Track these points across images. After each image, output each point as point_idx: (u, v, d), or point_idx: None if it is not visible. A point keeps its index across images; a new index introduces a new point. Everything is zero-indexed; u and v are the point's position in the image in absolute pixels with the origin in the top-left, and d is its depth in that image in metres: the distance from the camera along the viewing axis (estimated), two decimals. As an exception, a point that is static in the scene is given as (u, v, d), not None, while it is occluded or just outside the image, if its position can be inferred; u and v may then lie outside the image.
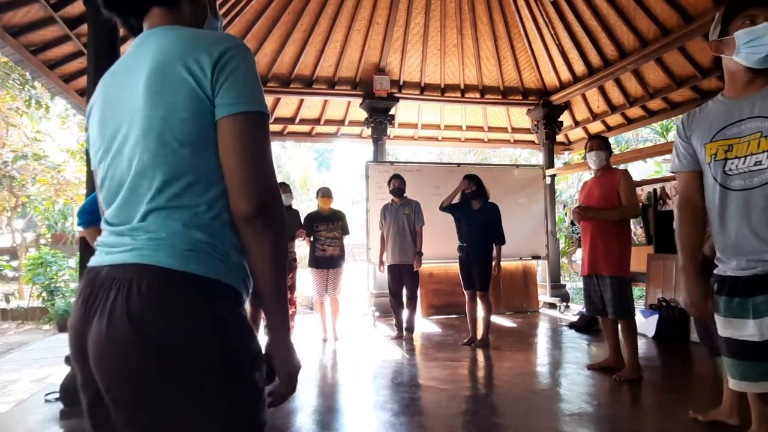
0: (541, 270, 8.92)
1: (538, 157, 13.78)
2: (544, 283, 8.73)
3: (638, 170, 13.83)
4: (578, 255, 12.55)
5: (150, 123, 0.98)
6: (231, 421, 0.95)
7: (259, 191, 0.98)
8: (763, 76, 1.85)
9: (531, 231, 8.44)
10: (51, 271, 9.77)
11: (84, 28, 4.63)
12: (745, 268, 1.85)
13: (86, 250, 3.52)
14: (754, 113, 1.84)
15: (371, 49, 8.02)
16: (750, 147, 1.83)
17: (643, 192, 6.80)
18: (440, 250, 7.15)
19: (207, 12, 1.22)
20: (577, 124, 9.26)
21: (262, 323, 1.12)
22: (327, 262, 6.09)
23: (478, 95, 8.75)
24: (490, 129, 9.74)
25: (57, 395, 3.85)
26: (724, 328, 1.92)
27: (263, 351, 1.07)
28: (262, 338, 1.06)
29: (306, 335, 6.38)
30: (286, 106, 8.65)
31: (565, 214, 13.48)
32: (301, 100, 8.60)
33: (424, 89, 8.57)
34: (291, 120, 8.81)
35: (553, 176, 8.96)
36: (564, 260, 12.92)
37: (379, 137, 8.41)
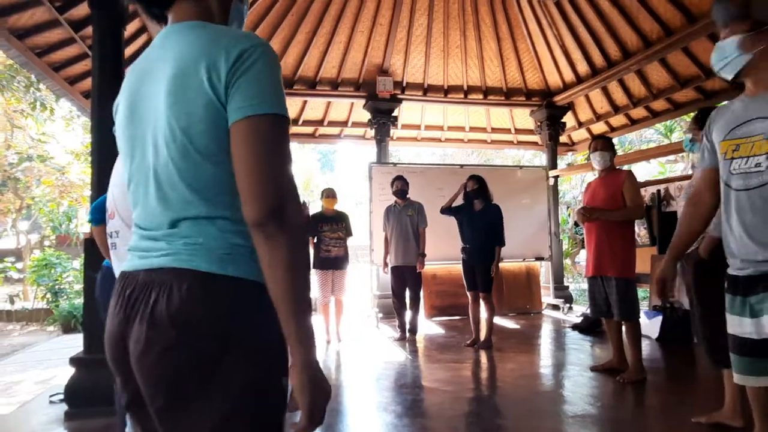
0: (544, 271, 8.90)
1: (541, 158, 13.77)
2: (547, 284, 8.71)
3: (642, 171, 13.81)
4: (582, 256, 12.53)
5: (172, 134, 0.97)
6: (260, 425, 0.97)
7: (270, 194, 0.91)
8: None
9: (534, 232, 8.43)
10: (55, 273, 9.80)
11: (89, 30, 4.64)
12: (740, 267, 1.89)
13: (91, 250, 3.53)
14: (759, 114, 1.86)
15: (374, 51, 8.03)
16: (754, 148, 1.85)
17: (646, 193, 6.78)
18: (443, 251, 7.14)
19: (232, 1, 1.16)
20: (580, 125, 9.24)
21: None
22: (332, 263, 6.09)
23: (481, 96, 8.74)
24: (494, 130, 9.73)
25: (61, 397, 3.86)
26: (729, 324, 1.98)
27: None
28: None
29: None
30: (289, 107, 8.31)
31: (569, 215, 13.47)
32: (305, 102, 8.62)
33: (427, 90, 8.57)
34: (295, 122, 8.82)
35: (556, 177, 8.95)
36: (567, 261, 12.91)
37: (382, 138, 8.41)
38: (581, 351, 5.50)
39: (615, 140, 12.26)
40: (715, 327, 2.67)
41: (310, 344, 0.94)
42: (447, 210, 5.82)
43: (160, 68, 1.01)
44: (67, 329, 8.26)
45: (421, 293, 6.41)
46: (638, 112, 8.22)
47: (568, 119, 9.07)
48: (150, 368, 0.94)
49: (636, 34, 6.66)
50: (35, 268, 9.88)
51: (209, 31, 1.02)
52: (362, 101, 8.32)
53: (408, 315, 6.25)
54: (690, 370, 4.85)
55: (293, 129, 8.94)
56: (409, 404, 3.80)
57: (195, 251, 0.96)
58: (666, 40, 6.27)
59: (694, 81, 6.82)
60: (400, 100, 8.34)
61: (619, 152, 13.65)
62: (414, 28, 7.90)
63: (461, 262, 5.73)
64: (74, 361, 3.83)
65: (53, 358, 6.13)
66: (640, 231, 6.81)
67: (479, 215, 5.60)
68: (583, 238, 7.85)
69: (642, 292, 7.71)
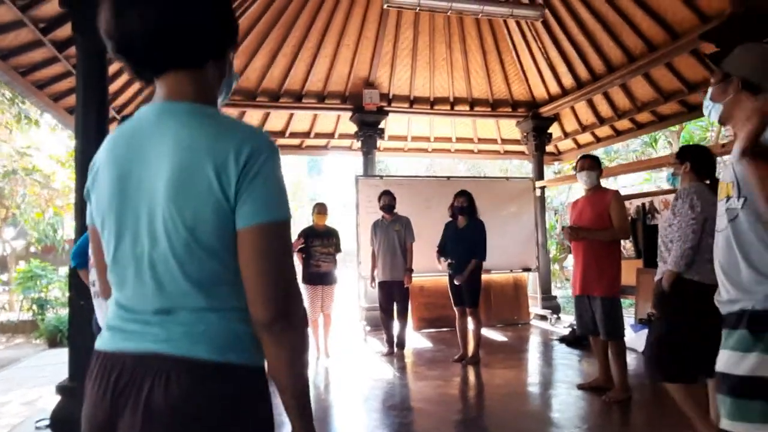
0: (532, 281, 8.96)
1: (528, 167, 13.85)
2: (534, 294, 8.77)
3: (628, 179, 13.92)
4: (570, 261, 12.62)
5: (175, 227, 0.95)
6: None
7: (277, 297, 0.96)
8: None
9: (522, 243, 8.47)
10: (41, 284, 9.72)
11: (73, 49, 4.61)
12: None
13: (76, 274, 3.51)
14: (731, 158, 1.91)
15: (361, 63, 8.06)
16: (724, 191, 1.90)
17: (632, 206, 6.86)
18: (431, 263, 7.11)
19: (228, 71, 1.15)
20: (566, 135, 9.32)
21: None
22: (321, 278, 6.09)
23: (467, 108, 8.80)
24: (480, 140, 9.78)
25: (47, 422, 3.84)
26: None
27: None
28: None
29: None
30: (276, 119, 8.65)
31: (557, 220, 13.57)
32: (291, 114, 8.60)
33: (413, 102, 8.61)
34: (281, 134, 8.81)
35: (543, 188, 9.01)
36: (555, 266, 13.01)
37: (369, 150, 8.44)
38: (569, 367, 5.54)
39: (600, 150, 12.42)
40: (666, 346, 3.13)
41: (311, 429, 1.02)
42: (440, 249, 5.84)
43: (156, 152, 0.98)
44: (53, 343, 8.20)
45: (409, 307, 6.42)
46: (623, 124, 8.30)
47: (555, 130, 9.15)
48: None
49: (620, 49, 6.74)
50: (21, 279, 9.79)
51: (212, 123, 1.00)
52: (349, 114, 8.33)
53: (396, 328, 6.27)
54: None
55: (280, 141, 8.91)
56: (397, 428, 3.82)
57: (196, 339, 0.95)
58: (649, 56, 6.35)
59: (677, 95, 6.90)
60: (386, 113, 8.37)
61: (605, 161, 13.80)
62: (400, 42, 7.94)
63: (447, 277, 5.76)
64: (60, 389, 3.81)
65: (39, 377, 6.08)
66: (626, 244, 6.88)
67: (463, 231, 5.63)
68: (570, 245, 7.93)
69: (627, 302, 7.79)
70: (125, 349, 0.98)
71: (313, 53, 7.75)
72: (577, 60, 7.44)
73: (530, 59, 8.13)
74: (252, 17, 7.10)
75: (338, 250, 6.24)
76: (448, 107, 8.75)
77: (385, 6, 6.17)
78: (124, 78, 6.24)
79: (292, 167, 23.10)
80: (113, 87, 5.98)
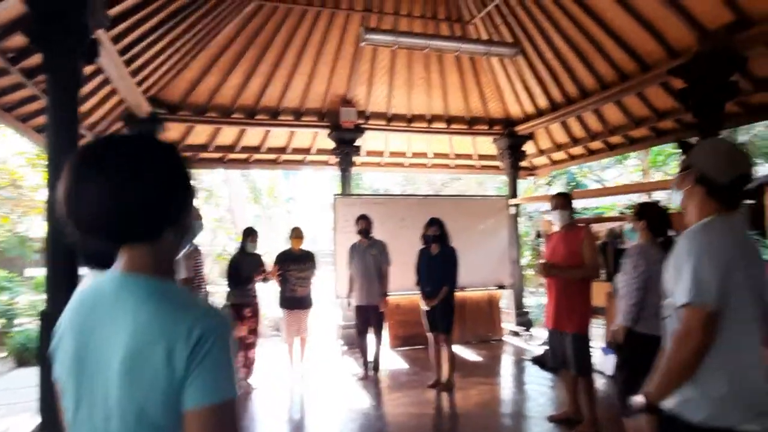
0: (506, 297, 9.08)
1: (503, 179, 13.97)
2: (508, 309, 8.89)
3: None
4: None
5: (128, 406, 1.00)
6: None
7: None
8: None
9: (496, 260, 8.59)
10: (6, 298, 9.50)
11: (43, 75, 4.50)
12: None
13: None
14: None
15: (338, 81, 8.04)
16: None
17: (603, 229, 7.00)
18: (407, 281, 7.15)
19: (187, 229, 1.20)
20: (541, 152, 9.45)
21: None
22: (297, 302, 6.12)
23: (444, 125, 8.87)
24: (457, 156, 9.84)
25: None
26: None
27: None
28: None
29: (270, 376, 6.34)
30: (252, 135, 8.58)
31: (531, 228, 13.73)
32: (268, 131, 8.54)
33: (391, 119, 8.64)
34: (257, 149, 8.75)
35: (517, 206, 9.13)
36: (531, 271, 13.15)
37: (346, 168, 8.44)
38: (541, 394, 5.64)
39: (574, 168, 12.61)
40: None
41: None
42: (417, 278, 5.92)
43: (114, 328, 1.03)
44: (22, 362, 8.01)
45: (383, 332, 6.49)
46: (596, 144, 8.44)
47: (529, 147, 9.27)
48: None
49: (592, 76, 6.86)
50: (-16, 292, 9.55)
51: (167, 304, 1.05)
52: (326, 131, 8.31)
53: (372, 350, 6.32)
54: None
55: (256, 156, 8.85)
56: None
57: None
58: (620, 85, 6.47)
59: (647, 121, 7.06)
60: (363, 130, 8.37)
61: (578, 176, 14.05)
62: (377, 61, 7.95)
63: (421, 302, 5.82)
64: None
65: (9, 403, 5.94)
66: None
67: (436, 259, 5.69)
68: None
69: (599, 322, 7.96)
70: None
71: (289, 72, 7.71)
72: (552, 84, 7.55)
73: (506, 80, 8.23)
74: (228, 35, 7.04)
75: (313, 273, 6.27)
76: (426, 124, 8.80)
77: (362, 44, 6.19)
78: (96, 98, 6.16)
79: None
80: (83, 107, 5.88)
